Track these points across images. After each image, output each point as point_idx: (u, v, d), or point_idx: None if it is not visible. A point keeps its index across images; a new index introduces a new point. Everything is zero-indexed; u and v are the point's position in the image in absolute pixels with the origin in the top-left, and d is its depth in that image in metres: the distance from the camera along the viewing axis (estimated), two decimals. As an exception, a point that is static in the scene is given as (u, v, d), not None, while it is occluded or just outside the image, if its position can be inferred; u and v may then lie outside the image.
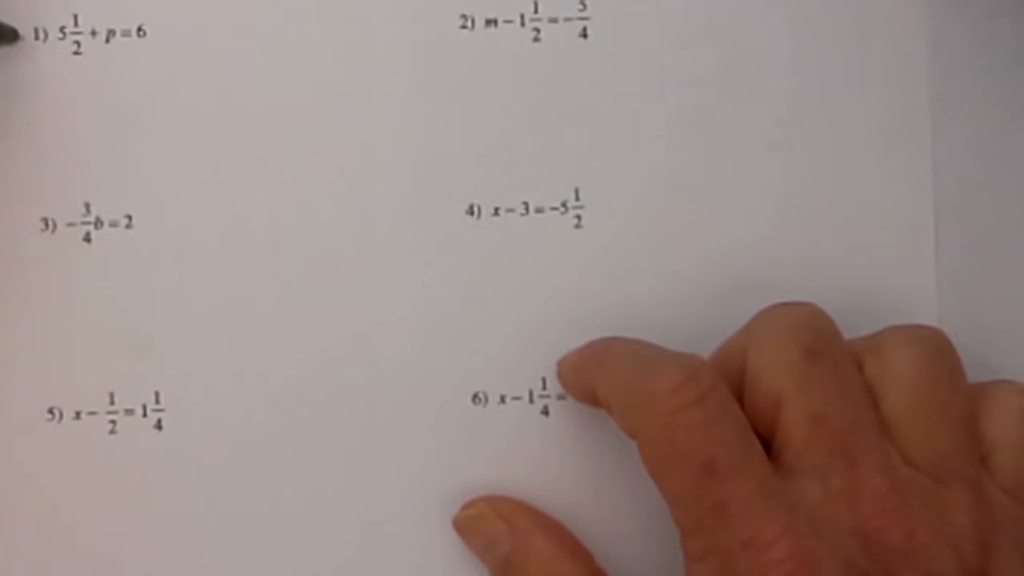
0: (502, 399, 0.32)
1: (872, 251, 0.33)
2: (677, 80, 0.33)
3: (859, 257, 0.33)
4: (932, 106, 0.33)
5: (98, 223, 0.32)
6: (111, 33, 0.32)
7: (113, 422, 0.32)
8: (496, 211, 0.33)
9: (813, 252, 0.33)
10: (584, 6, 0.33)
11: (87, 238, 0.32)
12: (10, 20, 0.32)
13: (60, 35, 0.32)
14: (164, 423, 0.32)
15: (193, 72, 0.32)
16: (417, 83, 0.33)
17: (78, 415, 0.32)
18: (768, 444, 0.28)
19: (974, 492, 0.28)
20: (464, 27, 0.33)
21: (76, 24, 0.32)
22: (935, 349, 0.29)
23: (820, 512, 0.27)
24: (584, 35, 0.33)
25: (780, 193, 0.33)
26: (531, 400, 0.32)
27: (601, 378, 0.30)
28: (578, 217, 0.33)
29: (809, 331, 0.29)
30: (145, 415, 0.32)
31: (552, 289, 0.33)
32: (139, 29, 0.32)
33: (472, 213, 0.33)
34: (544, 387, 0.32)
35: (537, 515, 0.31)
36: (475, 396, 0.32)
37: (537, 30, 0.33)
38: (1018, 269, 0.33)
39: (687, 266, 0.33)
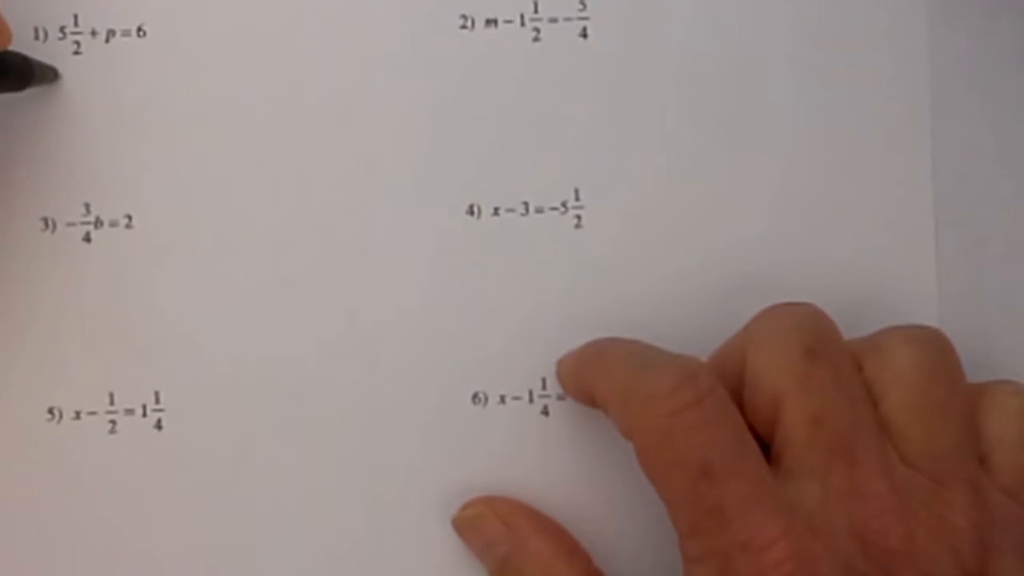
0: (502, 399, 0.32)
1: (872, 252, 0.33)
2: (677, 80, 0.33)
3: (859, 258, 0.33)
4: (932, 106, 0.33)
5: (98, 223, 0.32)
6: (111, 33, 0.32)
7: (113, 422, 0.32)
8: (496, 211, 0.33)
9: (813, 253, 0.33)
10: (584, 6, 0.33)
11: (87, 238, 0.32)
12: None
13: (60, 35, 0.32)
14: (164, 423, 0.32)
15: (193, 72, 0.32)
16: (417, 83, 0.33)
17: (78, 415, 0.32)
18: (768, 445, 0.28)
19: (973, 492, 0.27)
20: (464, 27, 0.33)
21: (76, 24, 0.32)
22: (935, 349, 0.29)
23: (819, 513, 0.27)
24: (584, 35, 0.33)
25: (780, 193, 0.33)
26: (531, 400, 0.32)
27: (599, 379, 0.30)
28: (578, 217, 0.33)
29: (809, 332, 0.29)
30: (145, 415, 0.32)
31: (552, 289, 0.33)
32: (139, 29, 0.32)
33: (472, 213, 0.33)
34: (544, 387, 0.32)
35: (535, 516, 0.31)
36: (475, 396, 0.32)
37: (537, 30, 0.33)
38: (1018, 269, 0.33)
39: (687, 266, 0.33)
